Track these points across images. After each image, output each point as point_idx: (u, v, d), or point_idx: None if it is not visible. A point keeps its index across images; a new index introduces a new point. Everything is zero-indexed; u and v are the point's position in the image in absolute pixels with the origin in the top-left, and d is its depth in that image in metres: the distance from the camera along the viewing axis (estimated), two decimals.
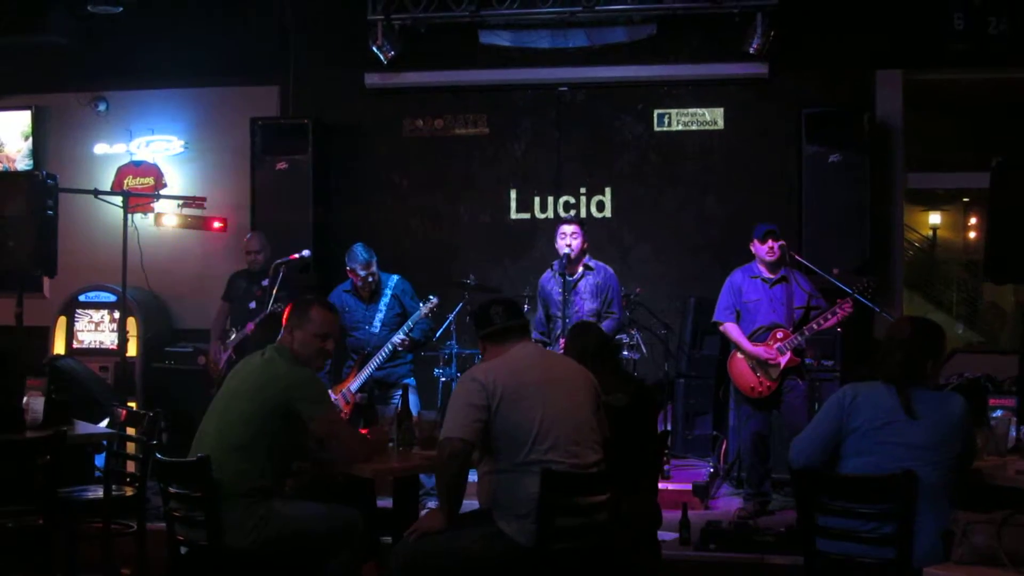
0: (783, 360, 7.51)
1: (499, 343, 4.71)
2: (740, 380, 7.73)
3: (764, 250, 7.70)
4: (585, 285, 8.14)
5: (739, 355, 7.73)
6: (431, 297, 7.91)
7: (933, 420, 4.36)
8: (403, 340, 7.82)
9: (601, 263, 8.30)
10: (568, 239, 8.02)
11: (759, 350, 7.58)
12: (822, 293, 7.81)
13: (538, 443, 4.40)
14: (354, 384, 7.82)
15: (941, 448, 4.33)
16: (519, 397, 4.43)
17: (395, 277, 8.23)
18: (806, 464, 4.54)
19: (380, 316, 8.08)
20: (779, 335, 7.58)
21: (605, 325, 7.80)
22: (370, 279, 8.03)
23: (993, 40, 9.44)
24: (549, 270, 8.37)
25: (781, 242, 7.67)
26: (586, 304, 8.09)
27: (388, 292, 8.13)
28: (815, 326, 7.51)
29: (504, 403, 4.41)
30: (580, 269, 8.15)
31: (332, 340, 5.11)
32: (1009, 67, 9.73)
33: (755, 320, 7.71)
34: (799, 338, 7.52)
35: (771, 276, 7.74)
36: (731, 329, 7.77)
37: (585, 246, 8.13)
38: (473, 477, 4.73)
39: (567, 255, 7.99)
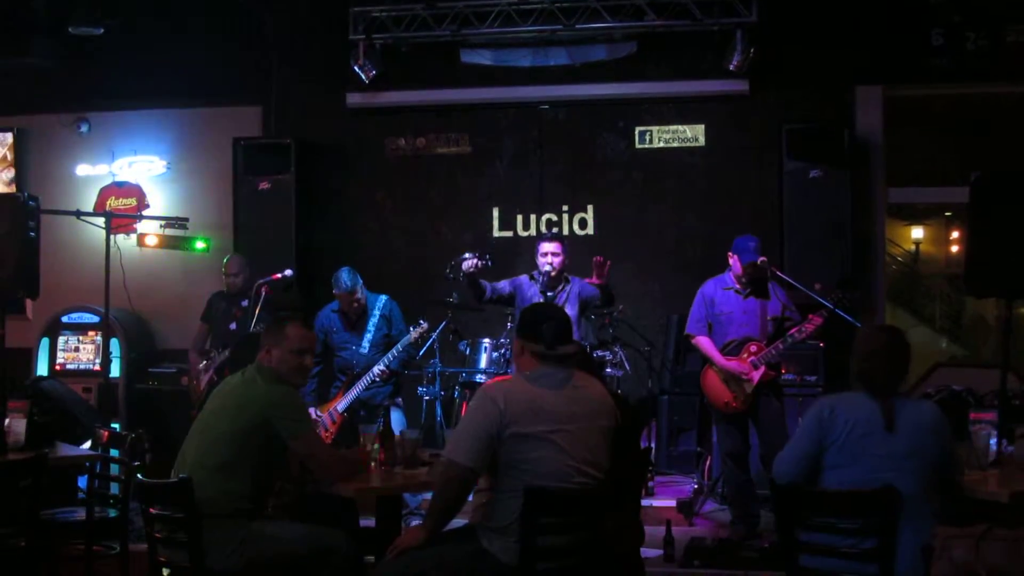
0: (756, 375, 7.26)
1: (535, 356, 4.61)
2: (714, 395, 7.47)
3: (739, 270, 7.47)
4: (566, 296, 8.06)
5: (712, 370, 7.48)
6: (421, 322, 7.90)
7: (909, 428, 4.39)
8: (383, 372, 7.81)
9: (572, 276, 8.22)
10: (550, 257, 7.91)
11: (732, 364, 7.33)
12: (804, 308, 7.57)
13: (540, 479, 4.33)
14: (341, 404, 7.81)
15: (918, 456, 4.35)
16: (530, 434, 4.36)
17: (383, 298, 8.23)
18: (790, 482, 4.53)
19: (368, 337, 8.08)
20: (752, 348, 7.32)
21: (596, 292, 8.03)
22: (355, 304, 8.04)
23: (971, 55, 9.56)
24: (529, 277, 8.16)
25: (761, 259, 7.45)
26: (572, 311, 8.03)
27: (377, 313, 8.13)
28: (788, 339, 7.27)
29: (513, 436, 4.34)
30: (561, 284, 8.05)
31: (310, 355, 5.15)
32: (987, 82, 9.80)
33: (727, 333, 7.46)
34: (773, 351, 7.29)
35: (744, 288, 7.49)
36: (703, 343, 7.51)
37: (566, 262, 8.01)
38: None
39: (548, 272, 7.87)
